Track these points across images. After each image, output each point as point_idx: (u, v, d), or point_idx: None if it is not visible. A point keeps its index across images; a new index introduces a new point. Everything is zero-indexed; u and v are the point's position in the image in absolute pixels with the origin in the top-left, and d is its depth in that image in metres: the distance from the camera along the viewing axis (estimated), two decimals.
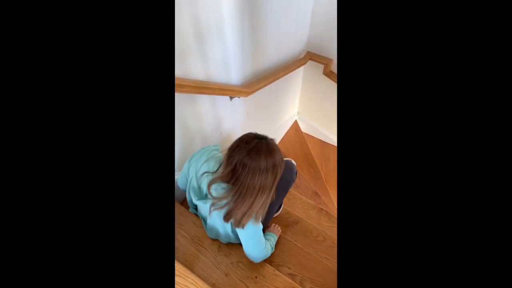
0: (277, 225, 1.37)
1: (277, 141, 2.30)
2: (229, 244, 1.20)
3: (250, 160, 0.84)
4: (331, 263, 1.35)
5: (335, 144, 2.37)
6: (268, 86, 1.59)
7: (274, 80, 1.61)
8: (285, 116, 2.29)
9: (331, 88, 2.02)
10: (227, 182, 0.91)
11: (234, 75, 1.40)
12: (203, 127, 1.42)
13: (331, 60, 1.88)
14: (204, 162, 1.01)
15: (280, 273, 1.13)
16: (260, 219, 0.98)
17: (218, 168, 0.96)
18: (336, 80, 1.91)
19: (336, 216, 1.69)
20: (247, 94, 1.45)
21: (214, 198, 0.95)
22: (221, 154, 1.00)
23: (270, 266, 1.15)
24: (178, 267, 0.96)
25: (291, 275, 1.22)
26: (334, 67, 1.92)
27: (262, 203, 0.91)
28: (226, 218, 0.95)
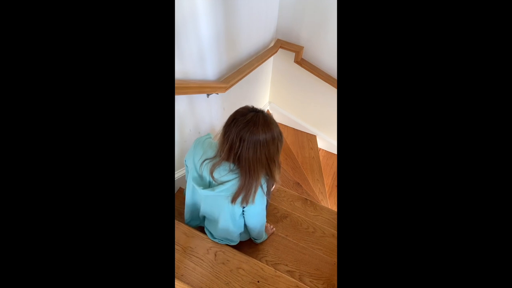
0: (272, 225, 1.36)
1: None
2: (225, 251, 1.15)
3: (248, 133, 0.79)
4: (324, 253, 1.37)
5: (308, 131, 2.40)
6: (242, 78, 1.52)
7: (249, 72, 1.54)
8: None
9: (302, 76, 2.01)
10: (227, 160, 0.86)
11: (210, 69, 1.30)
12: (181, 129, 1.31)
13: (301, 47, 1.86)
14: (202, 154, 0.95)
15: (282, 274, 1.11)
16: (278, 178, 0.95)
17: (215, 154, 0.90)
18: (307, 67, 1.91)
19: (319, 203, 1.72)
20: (225, 89, 1.36)
21: (219, 182, 0.91)
22: (215, 140, 0.96)
23: (270, 267, 1.13)
24: (175, 283, 0.88)
25: (290, 272, 1.22)
26: (305, 55, 1.90)
27: (273, 168, 0.89)
28: (234, 198, 0.91)
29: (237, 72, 1.48)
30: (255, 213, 1.04)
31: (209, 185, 0.95)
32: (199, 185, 0.97)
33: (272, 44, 1.85)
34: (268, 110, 2.42)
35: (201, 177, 0.97)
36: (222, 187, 0.91)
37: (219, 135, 0.87)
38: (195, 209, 1.15)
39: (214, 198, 1.00)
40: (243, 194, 0.90)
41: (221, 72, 1.40)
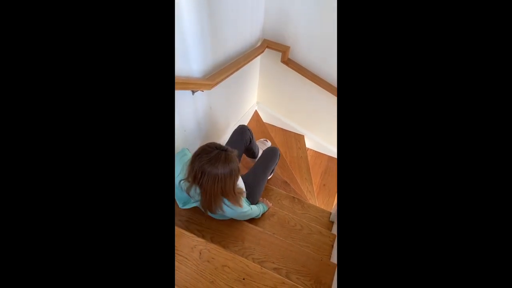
0: (267, 201, 1.54)
1: None
2: (210, 249, 1.13)
3: (210, 168, 0.95)
4: (311, 250, 1.37)
5: (296, 131, 2.41)
6: (228, 77, 1.51)
7: (236, 71, 1.54)
8: (246, 107, 2.24)
9: (289, 76, 2.02)
10: (194, 184, 1.02)
11: (195, 66, 1.29)
12: None
13: (288, 47, 1.87)
14: (179, 172, 1.10)
15: (268, 270, 1.09)
16: (240, 203, 1.13)
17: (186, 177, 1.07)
18: (294, 67, 1.92)
19: (307, 202, 1.72)
20: (210, 86, 1.35)
21: (194, 200, 1.12)
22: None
23: (256, 264, 1.12)
24: None
25: (276, 269, 1.21)
26: (291, 54, 1.91)
27: (230, 199, 1.06)
28: (203, 210, 1.12)
29: (223, 70, 1.47)
30: (237, 214, 1.19)
31: (185, 203, 1.18)
32: (179, 201, 1.17)
33: (259, 44, 1.86)
34: (256, 110, 2.42)
35: (180, 195, 1.16)
36: (196, 203, 1.13)
37: (189, 161, 1.02)
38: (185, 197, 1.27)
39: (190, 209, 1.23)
40: (208, 209, 1.09)
41: (207, 70, 1.39)
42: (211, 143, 1.02)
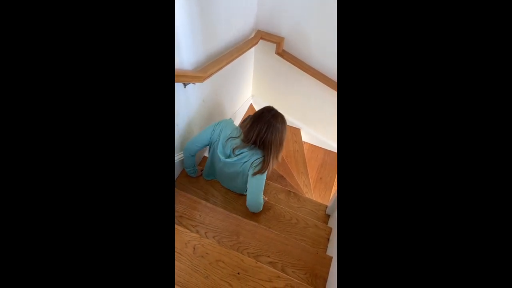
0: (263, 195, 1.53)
1: None
2: (204, 244, 1.11)
3: (274, 122, 1.19)
4: (307, 243, 1.36)
5: (292, 124, 2.38)
6: (221, 70, 1.48)
7: (228, 63, 1.50)
8: (240, 100, 2.21)
9: (284, 68, 1.98)
10: (254, 143, 1.22)
11: (185, 58, 1.25)
12: None
13: (282, 38, 1.83)
14: (230, 133, 1.28)
15: (263, 265, 1.08)
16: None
17: (240, 135, 1.26)
18: (288, 58, 1.89)
19: (302, 194, 1.70)
20: (202, 79, 1.32)
21: (235, 155, 1.25)
22: (238, 125, 1.35)
23: (250, 259, 1.10)
24: None
25: (272, 263, 1.19)
26: (286, 46, 1.88)
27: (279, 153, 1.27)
28: (257, 171, 1.22)
29: (216, 62, 1.44)
30: (258, 182, 1.29)
31: (228, 156, 1.29)
32: (222, 155, 1.29)
33: (252, 35, 1.82)
34: (251, 104, 2.39)
35: (224, 150, 1.29)
36: (236, 158, 1.26)
37: (246, 125, 1.25)
38: (212, 168, 1.51)
39: (230, 164, 1.32)
40: (267, 169, 1.23)
41: (198, 62, 1.35)
42: (267, 106, 1.27)
